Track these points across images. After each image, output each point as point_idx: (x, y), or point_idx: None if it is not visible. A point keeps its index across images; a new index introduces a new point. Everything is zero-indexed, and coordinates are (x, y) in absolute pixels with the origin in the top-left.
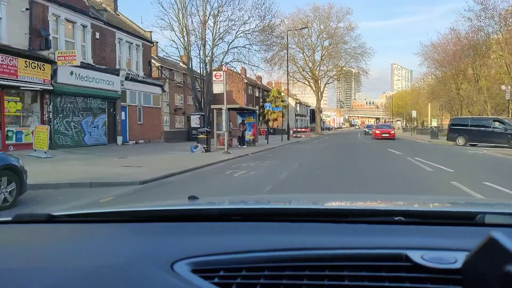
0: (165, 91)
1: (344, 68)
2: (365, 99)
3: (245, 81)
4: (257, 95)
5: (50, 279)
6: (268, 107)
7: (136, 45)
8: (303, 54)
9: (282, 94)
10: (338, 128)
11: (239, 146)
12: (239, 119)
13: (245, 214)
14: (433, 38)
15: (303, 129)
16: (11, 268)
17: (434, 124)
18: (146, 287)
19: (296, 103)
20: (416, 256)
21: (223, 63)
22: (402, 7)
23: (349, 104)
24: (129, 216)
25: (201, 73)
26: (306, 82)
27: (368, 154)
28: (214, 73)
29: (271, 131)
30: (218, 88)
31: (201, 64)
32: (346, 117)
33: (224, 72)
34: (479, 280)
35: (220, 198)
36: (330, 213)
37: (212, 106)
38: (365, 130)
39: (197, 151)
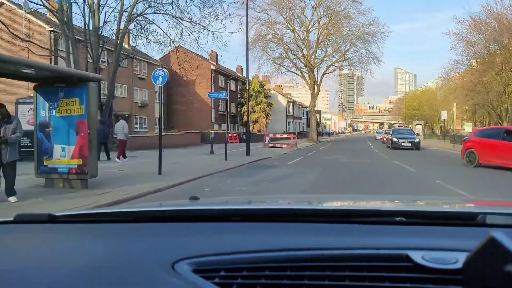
0: None
1: (347, 54)
2: (368, 103)
3: (212, 67)
4: (233, 88)
5: (51, 279)
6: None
7: None
8: (293, 33)
9: (267, 88)
10: (340, 133)
11: None
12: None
13: (246, 214)
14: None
15: (285, 135)
16: (12, 268)
17: (469, 129)
18: (147, 287)
19: (289, 102)
20: (417, 256)
21: (133, 15)
22: (405, 14)
23: (351, 108)
24: (130, 217)
25: (89, 28)
26: (298, 72)
27: None
28: None
29: (245, 137)
30: None
31: (86, 12)
32: (349, 122)
33: None
34: (480, 280)
35: (221, 198)
36: (331, 213)
37: None
38: (392, 140)
39: None
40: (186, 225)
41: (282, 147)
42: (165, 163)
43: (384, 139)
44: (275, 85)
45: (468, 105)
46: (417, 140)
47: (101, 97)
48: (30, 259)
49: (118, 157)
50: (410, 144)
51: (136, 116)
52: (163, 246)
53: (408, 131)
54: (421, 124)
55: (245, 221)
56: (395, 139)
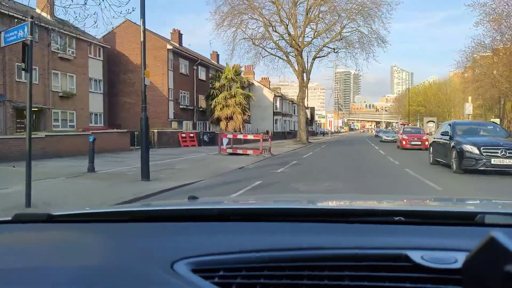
0: None
1: (344, 32)
2: (364, 102)
3: (169, 47)
4: (203, 77)
5: (50, 279)
6: None
7: None
8: (276, 6)
9: (245, 76)
10: (336, 132)
11: None
12: None
13: (245, 214)
14: None
15: (252, 136)
16: (11, 268)
17: None
18: (146, 287)
19: (276, 96)
20: (416, 256)
21: None
22: (403, 12)
23: (347, 107)
24: (129, 216)
25: None
26: (284, 57)
27: None
28: None
29: (207, 138)
30: None
31: None
32: (345, 120)
33: None
34: (479, 280)
35: (220, 198)
36: (330, 213)
37: None
38: (464, 151)
39: None
40: (185, 224)
41: (247, 153)
42: None
43: (404, 142)
44: (262, 78)
45: (484, 99)
46: None
47: None
48: (28, 259)
49: None
50: None
51: (56, 111)
52: (162, 246)
53: (491, 127)
54: (434, 122)
55: (244, 221)
56: (469, 148)
